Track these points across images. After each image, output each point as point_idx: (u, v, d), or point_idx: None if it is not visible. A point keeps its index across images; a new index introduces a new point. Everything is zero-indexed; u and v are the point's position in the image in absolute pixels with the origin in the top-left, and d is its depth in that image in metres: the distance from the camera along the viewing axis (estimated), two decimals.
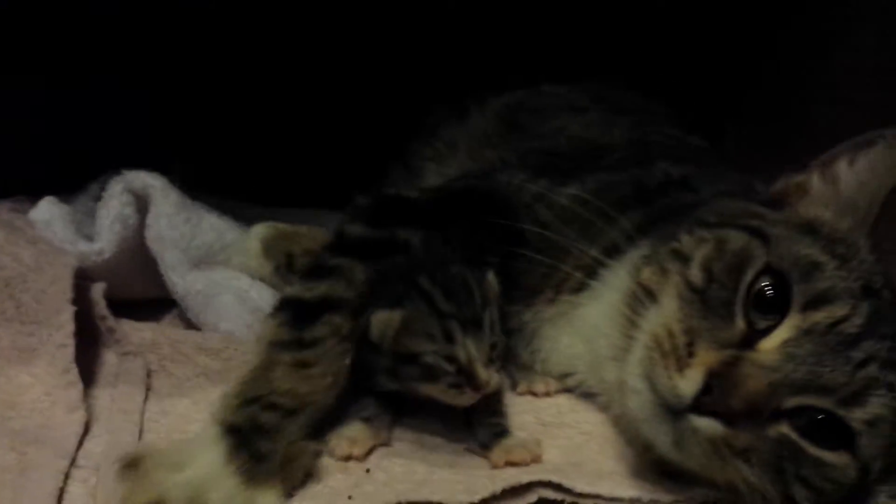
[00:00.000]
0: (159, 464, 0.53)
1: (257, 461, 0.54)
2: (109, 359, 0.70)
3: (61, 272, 0.68)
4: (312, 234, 0.86)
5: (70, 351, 0.64)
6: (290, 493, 0.54)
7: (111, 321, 0.71)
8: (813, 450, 0.52)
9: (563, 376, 0.68)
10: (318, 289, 0.63)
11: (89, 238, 0.78)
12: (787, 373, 0.51)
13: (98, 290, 0.72)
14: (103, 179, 1.02)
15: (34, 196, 0.90)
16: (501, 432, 0.60)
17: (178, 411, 0.65)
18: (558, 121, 0.94)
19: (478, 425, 0.61)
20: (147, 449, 0.56)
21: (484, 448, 0.59)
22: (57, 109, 1.09)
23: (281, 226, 0.87)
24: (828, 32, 0.97)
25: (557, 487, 0.54)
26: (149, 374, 0.69)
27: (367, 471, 0.57)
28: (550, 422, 0.63)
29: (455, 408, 0.62)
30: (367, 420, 0.61)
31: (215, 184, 1.25)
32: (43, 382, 0.63)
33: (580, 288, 0.65)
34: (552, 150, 0.87)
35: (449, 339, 0.57)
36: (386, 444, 0.61)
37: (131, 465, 0.53)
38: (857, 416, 0.52)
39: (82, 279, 0.71)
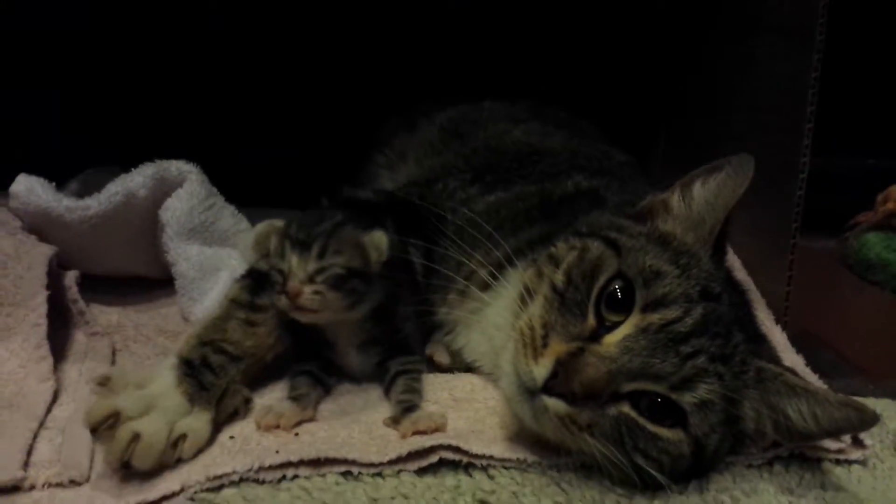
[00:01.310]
0: (125, 382, 0.65)
1: (200, 389, 0.66)
2: (79, 338, 0.78)
3: (37, 260, 0.77)
4: None
5: (43, 329, 0.73)
6: (219, 422, 0.66)
7: (81, 304, 0.80)
8: (651, 426, 0.61)
9: (473, 363, 0.77)
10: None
11: None
12: (624, 363, 0.60)
13: (71, 277, 0.81)
14: (83, 176, 1.12)
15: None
16: (412, 407, 0.69)
17: None
18: (500, 127, 1.04)
19: (394, 401, 0.70)
20: (116, 370, 0.71)
21: (395, 421, 0.68)
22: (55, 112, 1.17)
23: (277, 222, 0.93)
24: (748, 47, 1.05)
25: (456, 450, 0.63)
26: (114, 353, 0.78)
27: (296, 434, 0.66)
28: (461, 397, 0.72)
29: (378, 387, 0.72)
30: (296, 399, 0.70)
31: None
32: (18, 356, 0.72)
33: (487, 286, 0.74)
34: (496, 149, 0.97)
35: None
36: (311, 419, 0.69)
37: (102, 383, 0.64)
38: (686, 399, 0.60)
39: (58, 267, 0.80)
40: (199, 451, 0.63)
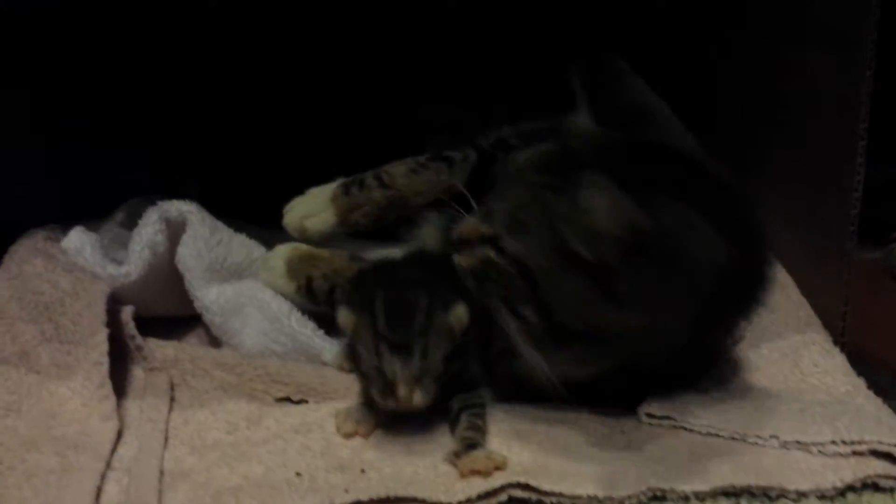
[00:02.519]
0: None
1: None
2: (137, 374, 0.79)
3: (95, 297, 0.78)
4: (332, 259, 0.92)
5: (105, 368, 0.73)
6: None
7: (139, 340, 0.80)
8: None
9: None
10: None
11: (117, 262, 0.87)
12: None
13: (127, 313, 0.81)
14: (127, 206, 1.13)
15: (64, 223, 1.00)
16: (473, 444, 0.68)
17: (199, 420, 0.74)
18: None
19: (457, 438, 0.70)
20: None
21: (456, 456, 0.67)
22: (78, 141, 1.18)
23: (303, 247, 0.93)
24: (800, 55, 1.04)
25: (526, 487, 0.63)
26: (172, 387, 0.78)
27: (363, 471, 0.66)
28: (523, 429, 0.72)
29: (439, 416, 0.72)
30: (367, 404, 0.72)
31: (229, 207, 1.35)
32: (80, 395, 0.72)
33: None
34: None
35: (379, 356, 0.69)
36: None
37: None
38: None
39: (114, 303, 0.81)
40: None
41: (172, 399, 0.77)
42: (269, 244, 1.03)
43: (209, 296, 0.86)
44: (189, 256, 0.85)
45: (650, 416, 0.73)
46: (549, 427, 0.72)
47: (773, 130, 1.06)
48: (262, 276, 0.90)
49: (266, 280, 0.90)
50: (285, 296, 0.89)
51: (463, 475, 0.65)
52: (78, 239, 0.86)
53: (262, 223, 1.26)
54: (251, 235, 1.17)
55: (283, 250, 0.92)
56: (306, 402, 0.79)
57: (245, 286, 0.89)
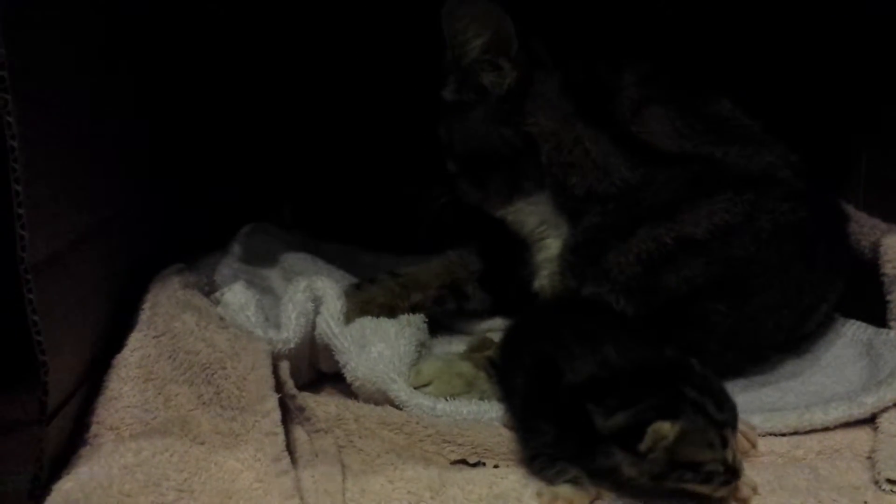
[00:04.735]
0: None
1: None
2: (301, 436, 0.72)
3: (260, 359, 0.71)
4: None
5: (280, 439, 0.67)
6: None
7: (300, 399, 0.74)
8: None
9: None
10: None
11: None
12: None
13: (285, 370, 0.75)
14: (243, 238, 1.07)
15: (185, 258, 0.94)
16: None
17: (375, 489, 0.68)
18: None
19: None
20: None
21: None
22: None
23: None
24: None
25: None
26: (338, 450, 0.72)
27: None
28: None
29: None
30: (573, 481, 0.64)
31: (326, 228, 1.30)
32: (253, 469, 0.66)
33: None
34: None
35: (725, 445, 0.60)
36: (599, 498, 0.64)
37: None
38: None
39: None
40: None
41: (343, 466, 0.70)
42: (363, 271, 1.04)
43: (350, 354, 0.81)
44: (326, 333, 0.82)
45: (892, 482, 0.65)
46: None
47: None
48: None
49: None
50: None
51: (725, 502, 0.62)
52: (242, 295, 0.81)
53: (354, 243, 1.25)
54: (347, 256, 1.16)
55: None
56: (483, 464, 0.72)
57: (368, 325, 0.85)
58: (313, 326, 0.82)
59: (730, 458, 0.60)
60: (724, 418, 0.61)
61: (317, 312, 0.82)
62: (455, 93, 0.90)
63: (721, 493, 0.62)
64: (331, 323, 0.81)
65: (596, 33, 0.95)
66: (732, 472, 0.60)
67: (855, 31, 1.07)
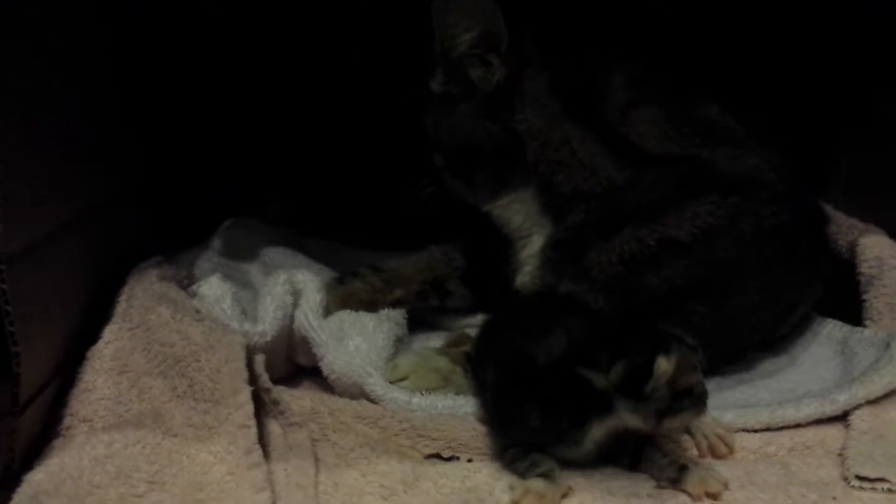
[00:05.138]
0: None
1: None
2: (275, 431, 0.72)
3: (234, 352, 0.71)
4: None
5: (252, 432, 0.66)
6: None
7: (275, 392, 0.74)
8: None
9: None
10: None
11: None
12: None
13: (260, 363, 0.74)
14: (222, 233, 1.07)
15: (164, 251, 0.94)
16: (685, 466, 0.65)
17: (348, 483, 0.67)
18: None
19: (662, 461, 0.67)
20: None
21: (673, 482, 0.65)
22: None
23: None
24: None
25: None
26: (313, 444, 0.72)
27: None
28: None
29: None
30: (545, 475, 0.65)
31: (313, 223, 1.30)
32: (225, 462, 0.66)
33: None
34: None
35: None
36: (567, 493, 0.65)
37: None
38: None
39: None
40: None
41: (317, 460, 0.70)
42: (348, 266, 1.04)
43: (327, 337, 0.81)
44: (304, 325, 0.82)
45: (861, 478, 0.66)
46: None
47: None
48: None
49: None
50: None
51: (697, 498, 0.64)
52: (219, 288, 0.81)
53: (338, 239, 1.25)
54: (330, 251, 1.16)
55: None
56: (457, 458, 0.72)
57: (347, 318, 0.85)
58: (291, 320, 0.82)
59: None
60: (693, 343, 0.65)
61: (296, 306, 0.82)
62: (443, 85, 0.90)
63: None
64: (309, 316, 0.81)
65: (587, 33, 0.95)
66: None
67: (838, 33, 1.08)
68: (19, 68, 0.67)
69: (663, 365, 0.60)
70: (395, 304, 0.94)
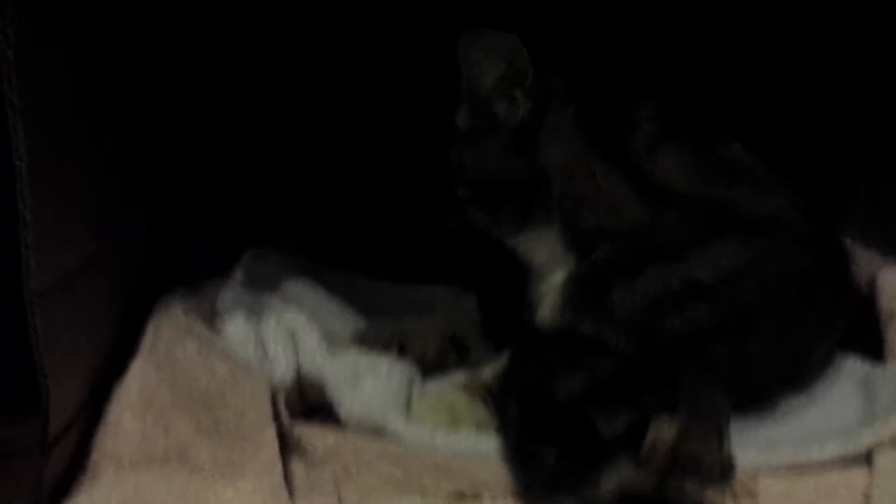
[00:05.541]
0: None
1: None
2: (297, 469, 0.73)
3: (259, 388, 0.72)
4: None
5: (278, 470, 0.67)
6: None
7: (297, 430, 0.74)
8: None
9: None
10: None
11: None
12: None
13: (281, 401, 0.75)
14: (245, 264, 1.08)
15: (191, 284, 0.95)
16: None
17: None
18: None
19: None
20: None
21: None
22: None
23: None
24: None
25: None
26: (336, 482, 0.72)
27: None
28: None
29: None
30: None
31: (332, 254, 1.31)
32: (251, 500, 0.66)
33: None
34: None
35: (721, 439, 0.61)
36: None
37: None
38: None
39: None
40: None
41: (339, 497, 0.70)
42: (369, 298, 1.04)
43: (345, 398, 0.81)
44: (309, 365, 0.82)
45: None
46: None
47: None
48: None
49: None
50: None
51: None
52: (244, 328, 0.82)
53: (357, 269, 1.26)
54: (349, 284, 1.17)
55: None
56: (480, 498, 0.72)
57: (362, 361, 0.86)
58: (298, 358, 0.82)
59: (725, 452, 0.60)
60: (720, 412, 0.61)
61: (297, 347, 0.83)
62: (468, 119, 0.91)
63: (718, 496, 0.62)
64: (317, 359, 0.81)
65: (613, 70, 0.96)
66: (729, 468, 0.60)
67: (860, 65, 1.09)
68: (51, 106, 0.69)
69: (661, 429, 0.58)
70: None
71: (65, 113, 0.72)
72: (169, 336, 0.78)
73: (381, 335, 0.95)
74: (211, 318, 0.88)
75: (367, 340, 0.93)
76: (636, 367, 0.69)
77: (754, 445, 0.76)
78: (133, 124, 0.93)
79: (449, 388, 0.86)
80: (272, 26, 1.18)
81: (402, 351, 0.95)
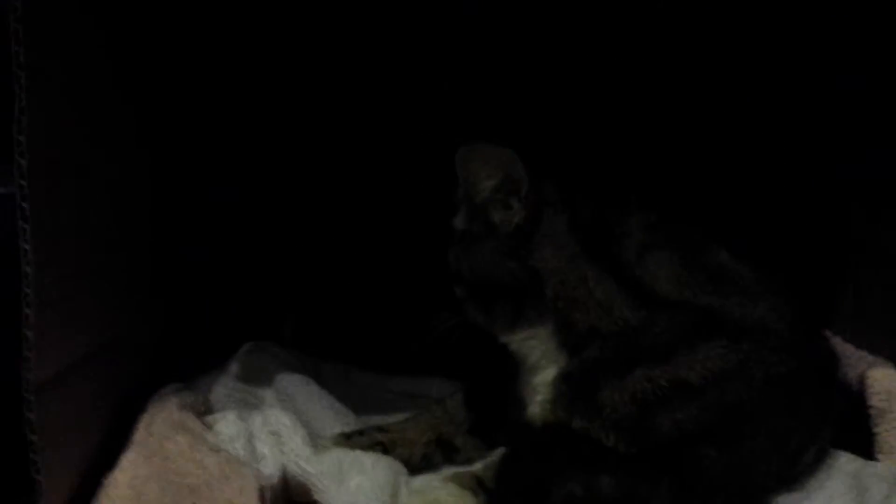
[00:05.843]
0: None
1: None
2: None
3: (247, 484, 0.72)
4: None
5: None
6: None
7: None
8: None
9: None
10: None
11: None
12: None
13: (268, 498, 0.76)
14: (241, 357, 1.10)
15: (187, 378, 0.96)
16: None
17: None
18: None
19: None
20: None
21: None
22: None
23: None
24: None
25: None
26: None
27: None
28: None
29: None
30: None
31: (329, 345, 1.32)
32: None
33: None
34: None
35: None
36: None
37: None
38: None
39: None
40: None
41: None
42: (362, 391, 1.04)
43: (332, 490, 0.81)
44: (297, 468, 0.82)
45: None
46: None
47: None
48: None
49: None
50: None
51: None
52: (234, 426, 0.83)
53: (352, 362, 1.27)
54: (344, 376, 1.18)
55: None
56: None
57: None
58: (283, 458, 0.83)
59: None
60: None
61: (282, 448, 0.84)
62: (465, 224, 0.94)
63: None
64: (300, 462, 0.82)
65: (605, 178, 1.00)
66: None
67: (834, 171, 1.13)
68: (57, 208, 0.72)
69: None
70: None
71: (73, 221, 0.75)
72: (161, 430, 0.79)
73: (363, 443, 0.95)
74: (204, 412, 0.89)
75: (351, 446, 0.93)
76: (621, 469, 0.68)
77: None
78: (135, 230, 0.96)
79: (438, 481, 0.86)
80: (269, 121, 1.24)
81: (386, 453, 0.95)
